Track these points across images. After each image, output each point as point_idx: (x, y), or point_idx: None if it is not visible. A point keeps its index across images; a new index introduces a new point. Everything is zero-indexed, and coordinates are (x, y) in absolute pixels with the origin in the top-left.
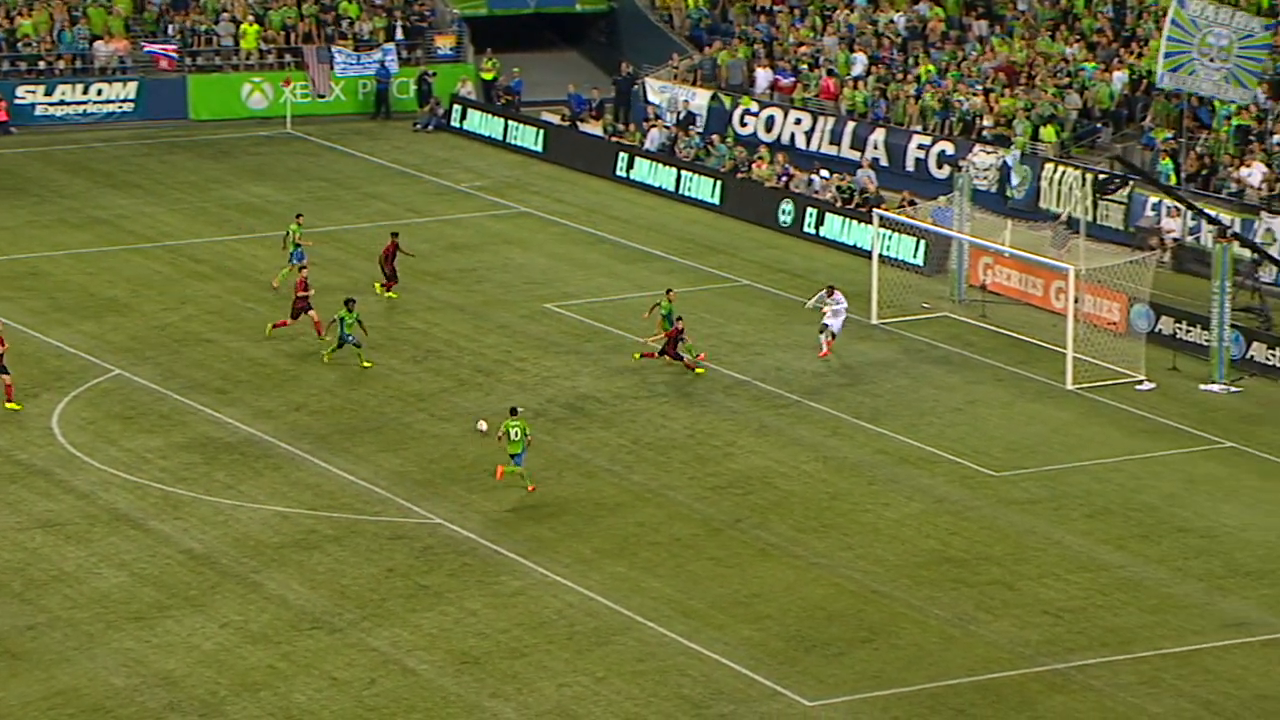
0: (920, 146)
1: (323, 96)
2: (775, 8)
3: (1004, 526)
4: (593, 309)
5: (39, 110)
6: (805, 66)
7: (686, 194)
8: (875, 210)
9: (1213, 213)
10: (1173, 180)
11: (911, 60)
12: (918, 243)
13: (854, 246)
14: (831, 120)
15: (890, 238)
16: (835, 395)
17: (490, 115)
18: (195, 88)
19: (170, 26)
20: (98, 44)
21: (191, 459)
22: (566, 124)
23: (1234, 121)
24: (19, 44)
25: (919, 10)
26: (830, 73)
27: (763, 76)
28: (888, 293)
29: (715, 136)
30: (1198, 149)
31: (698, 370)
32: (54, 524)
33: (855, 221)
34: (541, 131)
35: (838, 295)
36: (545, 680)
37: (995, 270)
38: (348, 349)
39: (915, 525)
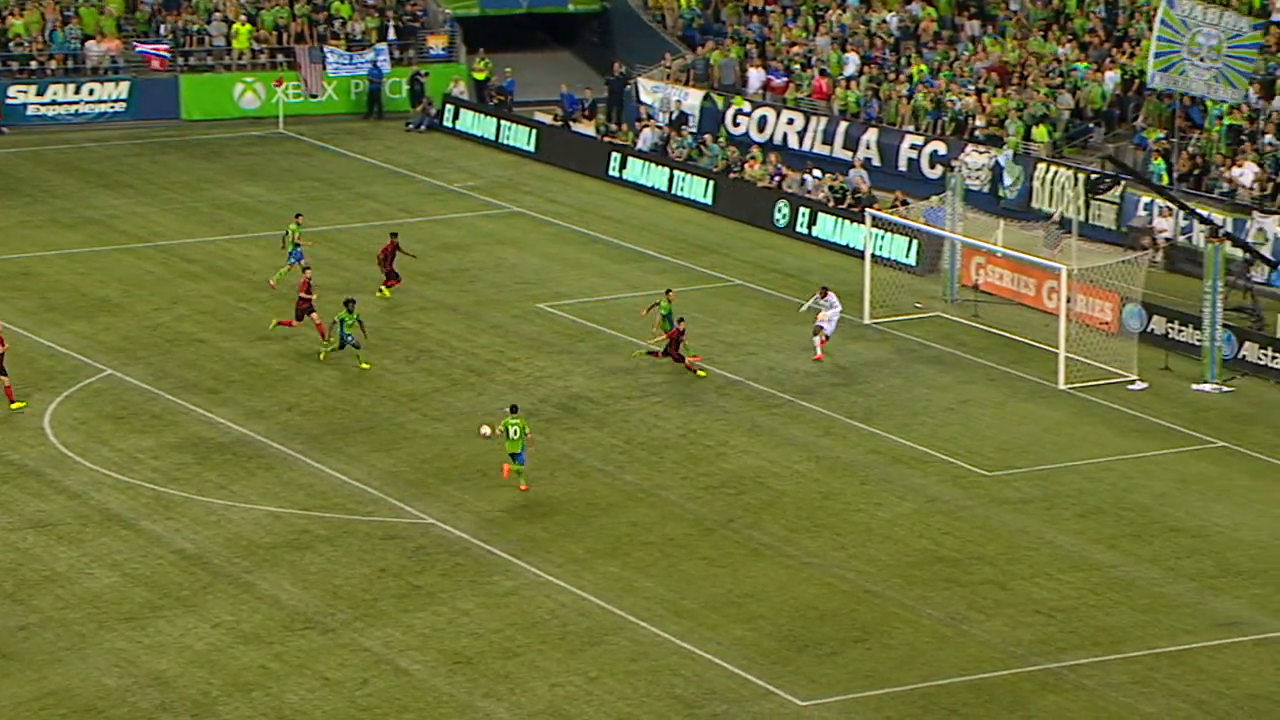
0: (913, 146)
1: (315, 96)
2: (768, 8)
3: (996, 526)
4: (585, 309)
5: (31, 110)
6: (798, 66)
7: (679, 194)
8: (868, 210)
9: (1205, 212)
10: (1165, 180)
11: (904, 60)
12: (910, 243)
13: (846, 246)
14: (824, 120)
15: (883, 237)
16: (828, 395)
17: (483, 115)
18: (187, 88)
19: (162, 26)
20: (90, 44)
21: (183, 459)
22: (559, 124)
23: (1226, 121)
24: (11, 44)
25: (911, 10)
26: (823, 73)
27: (755, 76)
28: (880, 293)
29: (708, 136)
30: (1190, 149)
31: (699, 373)
32: (46, 524)
33: (848, 221)
34: (534, 131)
35: (831, 297)
36: (538, 680)
37: (988, 270)
38: (348, 350)
39: (908, 525)
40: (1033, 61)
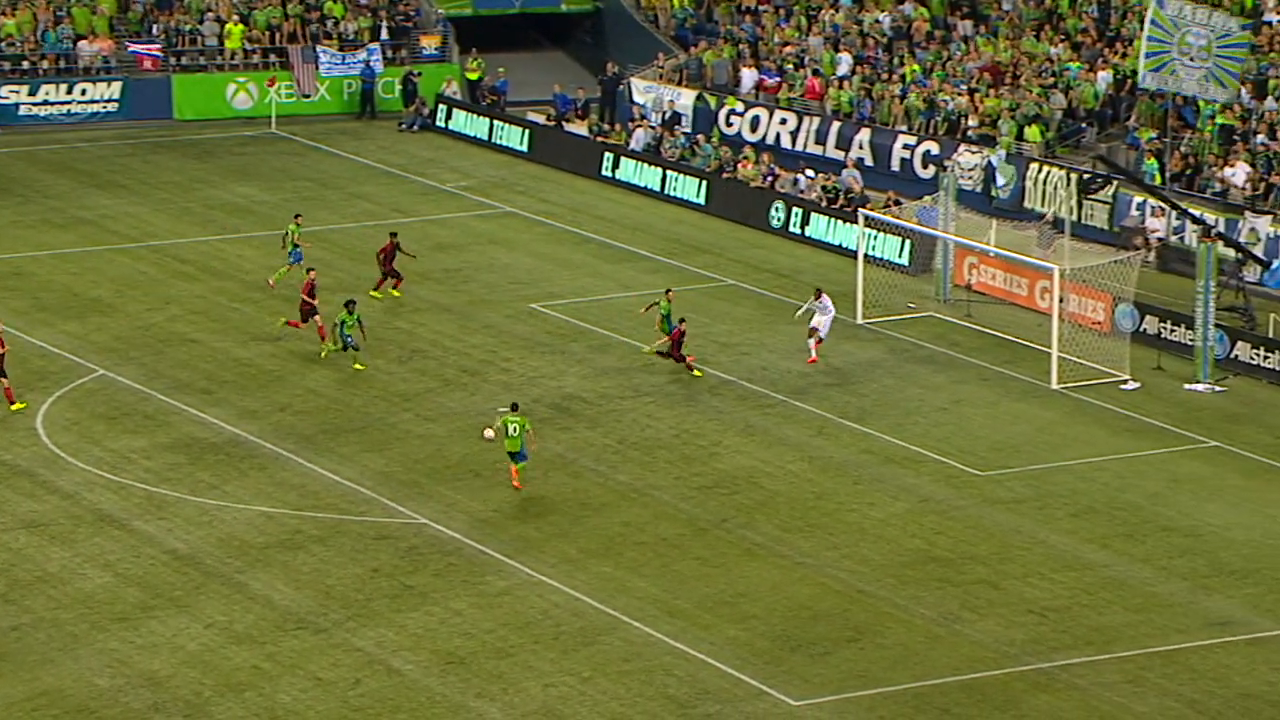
0: (905, 146)
1: (308, 96)
2: (760, 8)
3: (989, 526)
4: (578, 309)
5: (23, 110)
6: (790, 66)
7: (672, 194)
8: (860, 210)
9: (1197, 212)
10: (1157, 180)
11: (896, 60)
12: (903, 242)
13: (839, 246)
14: (817, 120)
15: (875, 237)
16: (821, 395)
17: (475, 115)
18: (180, 88)
19: (155, 26)
20: (82, 44)
21: (176, 459)
22: (552, 124)
23: (1218, 121)
24: (2, 44)
25: (904, 10)
26: (815, 73)
27: (748, 76)
28: (873, 293)
29: (700, 136)
30: (1182, 148)
31: (695, 372)
32: (38, 524)
33: (840, 221)
34: (527, 131)
35: (825, 299)
36: (531, 680)
37: (980, 270)
38: (346, 350)
39: (901, 525)
40: (1025, 61)
